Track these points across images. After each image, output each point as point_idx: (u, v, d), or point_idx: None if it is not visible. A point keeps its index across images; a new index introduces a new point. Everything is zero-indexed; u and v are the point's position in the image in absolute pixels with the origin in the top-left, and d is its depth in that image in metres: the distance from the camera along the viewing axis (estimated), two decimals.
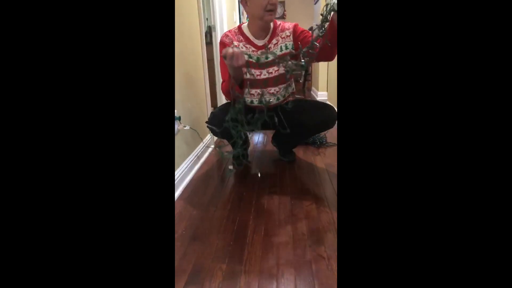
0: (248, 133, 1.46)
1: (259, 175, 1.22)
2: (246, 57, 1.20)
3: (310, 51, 0.97)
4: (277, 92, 1.28)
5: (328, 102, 2.56)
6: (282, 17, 4.92)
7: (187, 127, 1.28)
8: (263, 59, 1.21)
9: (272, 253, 0.80)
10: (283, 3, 4.90)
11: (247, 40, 1.22)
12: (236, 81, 1.06)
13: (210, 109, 1.68)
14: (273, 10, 1.12)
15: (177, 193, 1.14)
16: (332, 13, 0.91)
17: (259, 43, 1.22)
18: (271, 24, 1.21)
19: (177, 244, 0.85)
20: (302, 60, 0.97)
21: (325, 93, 2.96)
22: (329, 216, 0.96)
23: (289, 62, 0.98)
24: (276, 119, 1.05)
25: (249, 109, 1.30)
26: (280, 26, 1.22)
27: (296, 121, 1.27)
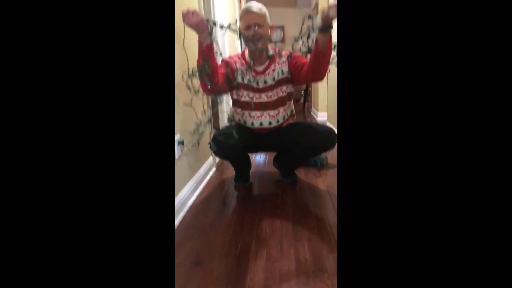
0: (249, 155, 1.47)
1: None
2: (245, 70, 1.25)
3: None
4: (276, 115, 1.30)
5: (328, 123, 2.59)
6: (282, 41, 5.07)
7: (190, 147, 1.29)
8: (262, 83, 1.26)
9: (274, 280, 0.78)
10: (282, 28, 5.07)
11: (248, 65, 1.27)
12: (203, 41, 1.04)
13: (212, 131, 1.71)
14: (257, 40, 1.16)
15: (179, 218, 1.13)
16: (314, 34, 0.94)
17: (259, 68, 1.26)
18: (270, 50, 1.26)
19: (179, 270, 0.84)
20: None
21: (325, 113, 2.99)
22: (331, 239, 0.95)
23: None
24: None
25: (251, 133, 1.32)
26: (279, 52, 1.27)
27: (295, 142, 1.29)
